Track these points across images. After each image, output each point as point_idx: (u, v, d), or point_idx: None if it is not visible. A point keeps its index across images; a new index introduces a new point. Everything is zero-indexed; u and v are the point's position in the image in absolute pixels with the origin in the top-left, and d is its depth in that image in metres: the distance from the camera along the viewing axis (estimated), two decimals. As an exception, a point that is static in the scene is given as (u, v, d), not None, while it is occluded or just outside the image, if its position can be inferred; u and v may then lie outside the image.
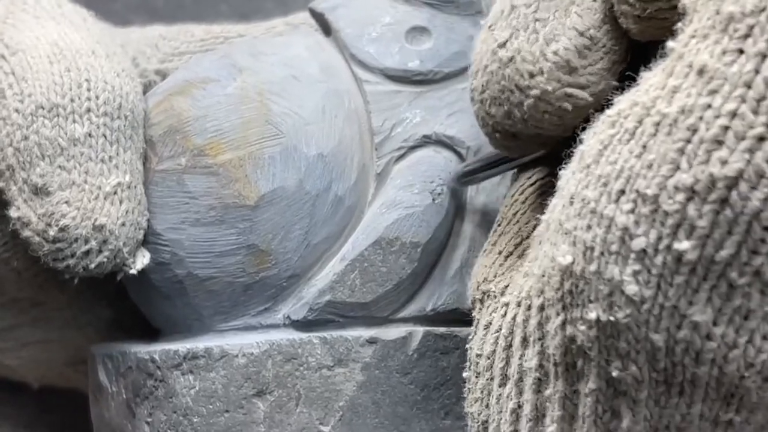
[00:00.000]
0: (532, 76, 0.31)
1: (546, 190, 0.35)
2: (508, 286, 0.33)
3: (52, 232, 0.39)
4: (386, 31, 0.42)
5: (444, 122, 0.41)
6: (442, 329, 0.39)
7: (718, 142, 0.26)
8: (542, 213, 0.34)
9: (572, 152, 0.30)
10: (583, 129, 0.30)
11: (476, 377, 0.33)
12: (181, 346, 0.40)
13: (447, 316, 0.39)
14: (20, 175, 0.39)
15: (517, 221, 0.35)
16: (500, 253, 0.35)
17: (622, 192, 0.27)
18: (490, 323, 0.33)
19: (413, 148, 0.41)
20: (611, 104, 0.29)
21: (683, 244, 0.26)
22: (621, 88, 0.31)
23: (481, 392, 0.33)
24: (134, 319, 0.46)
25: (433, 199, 0.40)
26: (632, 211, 0.27)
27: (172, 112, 0.41)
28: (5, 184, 0.40)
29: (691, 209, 0.26)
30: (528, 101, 0.31)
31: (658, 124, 0.27)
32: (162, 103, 0.41)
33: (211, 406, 0.39)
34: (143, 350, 0.41)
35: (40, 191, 0.39)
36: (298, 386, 0.39)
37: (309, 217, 0.39)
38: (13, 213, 0.39)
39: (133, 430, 0.41)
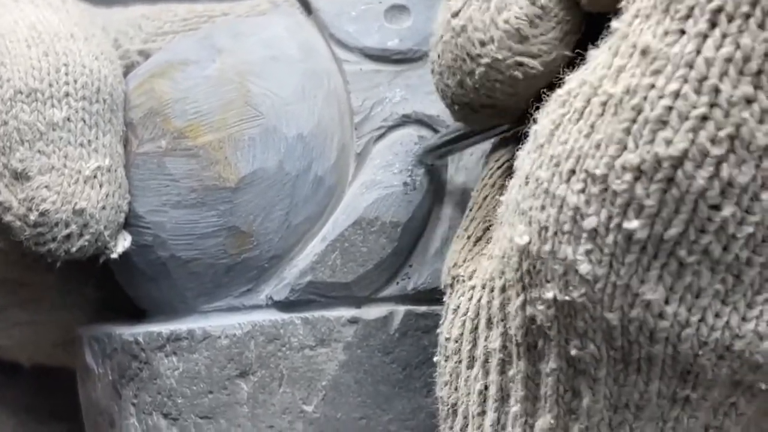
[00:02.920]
0: (483, 44, 0.31)
1: (511, 172, 0.35)
2: (475, 270, 0.33)
3: (32, 217, 0.39)
4: (366, 9, 0.42)
5: (424, 101, 0.41)
6: (423, 308, 0.39)
7: (663, 123, 0.26)
8: None
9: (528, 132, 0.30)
10: (537, 109, 0.30)
11: (445, 361, 0.33)
12: (165, 328, 0.40)
13: (428, 295, 0.39)
14: (0, 161, 0.39)
15: (486, 205, 0.35)
16: (469, 238, 0.35)
17: (573, 172, 0.27)
18: (458, 306, 0.33)
19: (393, 127, 0.41)
20: (563, 83, 0.29)
21: (632, 223, 0.27)
22: (573, 65, 0.30)
23: (450, 375, 0.33)
24: (121, 299, 0.46)
25: (413, 179, 0.40)
26: (583, 191, 0.27)
27: (152, 94, 0.41)
28: None
29: (639, 189, 0.26)
30: (479, 69, 0.31)
31: (604, 104, 0.27)
32: (143, 84, 0.41)
33: (195, 387, 0.39)
34: (128, 332, 0.41)
35: (20, 176, 0.39)
36: (281, 366, 0.39)
37: (290, 198, 0.39)
38: (-6, 198, 0.40)
39: (120, 411, 0.41)
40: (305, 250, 0.40)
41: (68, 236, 0.39)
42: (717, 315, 0.27)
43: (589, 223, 0.27)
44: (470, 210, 0.36)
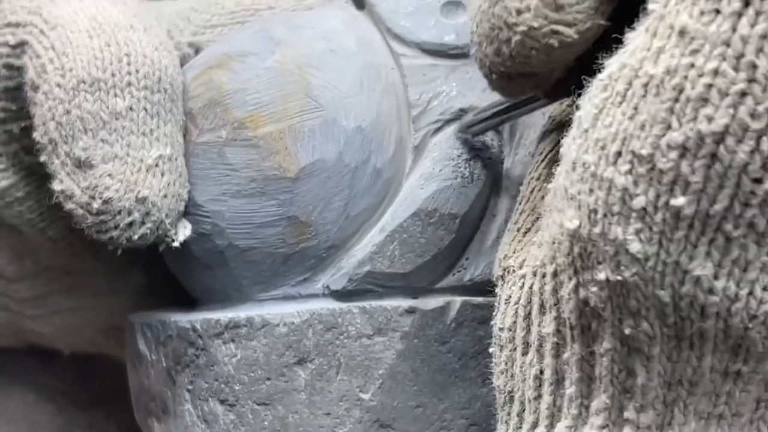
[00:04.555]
0: (519, 12, 0.32)
1: (555, 163, 0.36)
2: (525, 259, 0.34)
3: (95, 205, 0.39)
4: (421, 5, 0.42)
5: (480, 95, 0.41)
6: (479, 299, 0.40)
7: (704, 100, 0.27)
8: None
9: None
10: (579, 95, 0.30)
11: (500, 351, 0.34)
12: (223, 316, 0.40)
13: (484, 286, 0.40)
14: (63, 149, 0.40)
15: (533, 198, 0.36)
16: (519, 230, 0.36)
17: (619, 154, 0.28)
18: (510, 296, 0.34)
19: (450, 121, 0.41)
20: (603, 68, 0.29)
21: (679, 200, 0.27)
22: (607, 48, 0.31)
23: (506, 364, 0.34)
24: (166, 285, 0.46)
25: (471, 172, 0.41)
26: (630, 171, 0.28)
27: (211, 84, 0.41)
28: (47, 157, 0.40)
29: (684, 166, 0.27)
30: (515, 38, 0.32)
31: (646, 85, 0.28)
32: (200, 76, 0.42)
33: (252, 374, 0.40)
34: (184, 319, 0.41)
35: (83, 164, 0.39)
36: (338, 354, 0.39)
37: (348, 189, 0.40)
38: (56, 186, 0.40)
39: (173, 397, 0.42)
40: (363, 241, 0.40)
41: (130, 224, 0.39)
42: (765, 288, 0.28)
43: (638, 202, 0.28)
44: (519, 203, 0.37)
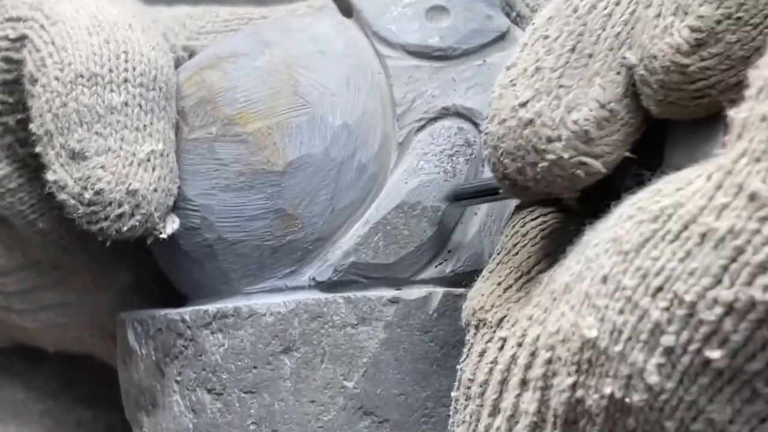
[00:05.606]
0: (550, 141, 0.32)
1: (547, 227, 0.36)
2: (504, 317, 0.34)
3: (87, 195, 0.40)
4: (407, 10, 0.44)
5: (462, 95, 0.43)
6: (460, 290, 0.41)
7: (764, 268, 0.27)
8: (543, 250, 0.35)
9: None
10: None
11: (466, 400, 0.34)
12: (211, 306, 0.41)
13: (465, 278, 0.41)
14: (58, 141, 0.41)
15: (517, 253, 0.36)
16: (499, 284, 0.36)
17: (660, 289, 0.28)
18: (485, 352, 0.34)
19: (433, 119, 0.43)
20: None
21: (714, 353, 0.27)
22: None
23: (470, 417, 0.34)
24: (152, 283, 0.47)
25: (453, 167, 0.42)
26: (667, 309, 0.28)
27: (203, 84, 0.43)
28: (43, 148, 0.41)
29: (728, 323, 0.27)
30: (543, 164, 0.32)
31: (704, 235, 0.28)
32: (193, 76, 0.43)
33: (239, 363, 0.41)
34: (173, 312, 0.42)
35: (77, 156, 0.41)
36: (323, 343, 0.40)
37: (334, 183, 0.41)
38: (49, 176, 0.41)
39: (162, 389, 0.43)
40: (348, 233, 0.42)
41: (120, 216, 0.40)
42: None
43: (668, 340, 0.28)
44: (498, 254, 0.37)
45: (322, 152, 0.41)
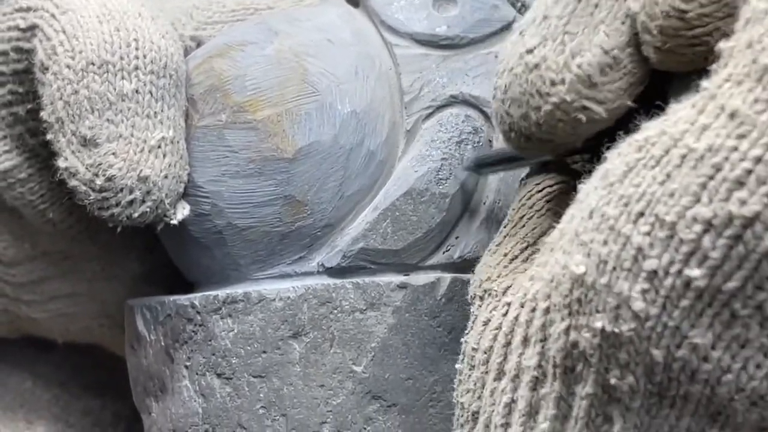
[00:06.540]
0: (553, 84, 0.33)
1: (554, 197, 0.37)
2: (510, 286, 0.35)
3: (99, 182, 0.41)
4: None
5: (470, 83, 0.43)
6: (468, 276, 0.41)
7: (740, 183, 0.27)
8: (549, 220, 0.36)
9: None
10: (608, 148, 0.31)
11: (470, 369, 0.35)
12: (221, 292, 0.42)
13: (473, 263, 0.41)
14: (69, 128, 0.41)
15: (524, 225, 0.37)
16: (505, 255, 0.36)
17: (642, 214, 0.29)
18: (489, 320, 0.35)
19: (441, 107, 0.43)
20: (637, 128, 0.30)
21: (694, 272, 0.28)
22: (639, 111, 0.32)
23: (475, 384, 0.34)
24: (161, 273, 0.48)
25: (461, 155, 0.43)
26: (649, 233, 0.28)
27: (212, 72, 0.43)
28: (54, 136, 0.42)
29: (706, 240, 0.28)
30: (546, 107, 0.33)
31: (684, 156, 0.28)
32: (202, 65, 0.44)
33: (249, 347, 0.41)
34: (183, 297, 0.43)
35: (88, 143, 0.41)
36: (332, 328, 0.41)
37: (343, 170, 0.42)
38: (61, 163, 0.42)
39: (171, 374, 0.43)
40: (357, 219, 0.42)
41: (131, 202, 0.41)
42: (758, 366, 0.29)
43: (650, 264, 0.28)
44: (505, 227, 0.38)
45: (331, 139, 0.42)
